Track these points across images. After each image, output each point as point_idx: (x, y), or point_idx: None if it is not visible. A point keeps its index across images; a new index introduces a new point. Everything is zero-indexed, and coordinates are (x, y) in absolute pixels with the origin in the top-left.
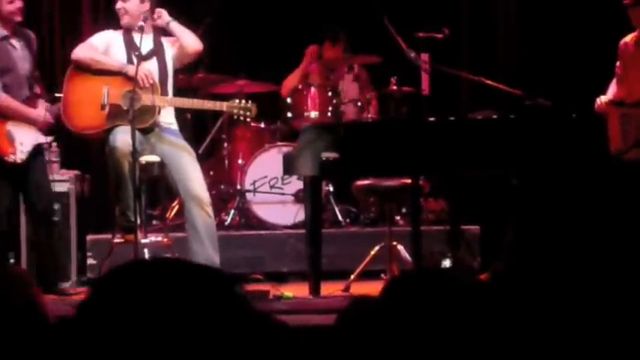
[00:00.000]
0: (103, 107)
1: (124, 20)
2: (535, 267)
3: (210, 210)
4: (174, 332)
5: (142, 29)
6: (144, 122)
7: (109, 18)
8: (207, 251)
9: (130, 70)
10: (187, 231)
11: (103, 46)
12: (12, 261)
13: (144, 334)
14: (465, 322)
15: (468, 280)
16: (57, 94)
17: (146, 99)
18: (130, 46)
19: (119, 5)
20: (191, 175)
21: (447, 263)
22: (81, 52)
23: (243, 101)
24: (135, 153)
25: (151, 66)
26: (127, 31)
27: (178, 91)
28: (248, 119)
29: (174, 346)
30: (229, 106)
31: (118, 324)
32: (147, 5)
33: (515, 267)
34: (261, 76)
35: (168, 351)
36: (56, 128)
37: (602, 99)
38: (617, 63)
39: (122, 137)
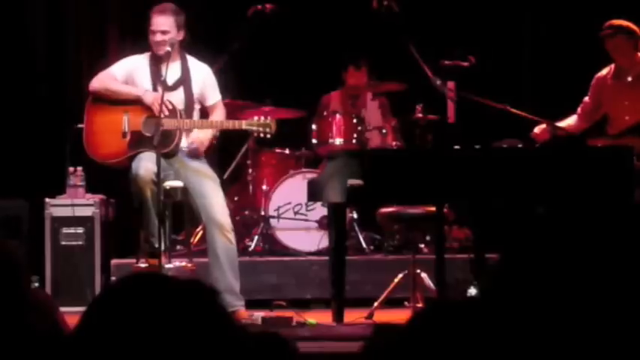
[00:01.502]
0: (124, 135)
1: (162, 52)
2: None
3: (231, 236)
4: (160, 344)
5: (168, 56)
6: (166, 147)
7: (135, 42)
8: (226, 277)
9: (147, 97)
10: (209, 256)
11: (124, 74)
12: (36, 284)
13: (134, 345)
14: (488, 354)
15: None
16: (79, 125)
17: (167, 123)
18: (156, 75)
19: (159, 38)
20: (213, 200)
21: (472, 291)
22: (97, 83)
23: (262, 118)
24: (158, 179)
25: (178, 95)
26: (154, 57)
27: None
28: (268, 136)
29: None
30: (248, 123)
31: (110, 339)
32: (182, 34)
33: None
34: (287, 103)
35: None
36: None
37: (541, 127)
38: (587, 98)
39: (145, 164)
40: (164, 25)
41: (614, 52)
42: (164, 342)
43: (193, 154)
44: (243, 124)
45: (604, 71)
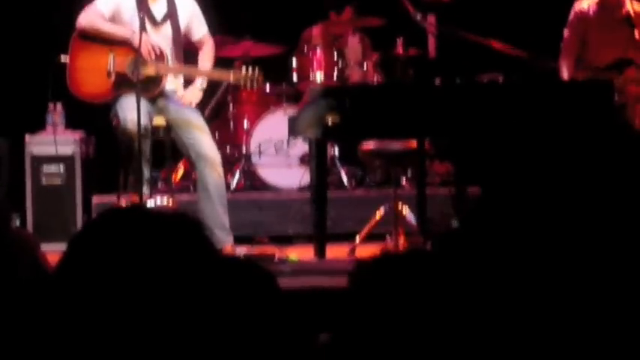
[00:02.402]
0: (109, 75)
1: None
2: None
3: (221, 170)
4: (146, 276)
5: None
6: (150, 92)
7: None
8: (217, 212)
9: (135, 40)
10: (198, 192)
11: (111, 9)
12: (17, 223)
13: (118, 280)
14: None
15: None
16: (62, 57)
17: (151, 68)
18: (143, 9)
19: None
20: (201, 136)
21: (456, 224)
22: (84, 20)
23: (250, 70)
24: (141, 126)
25: (164, 32)
26: None
27: (186, 53)
28: (255, 87)
29: (146, 290)
30: (236, 76)
31: (93, 275)
32: None
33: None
34: (267, 37)
35: (140, 295)
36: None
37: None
38: (566, 32)
39: (131, 117)
40: None
41: None
42: (148, 275)
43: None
44: (231, 77)
45: (584, 3)
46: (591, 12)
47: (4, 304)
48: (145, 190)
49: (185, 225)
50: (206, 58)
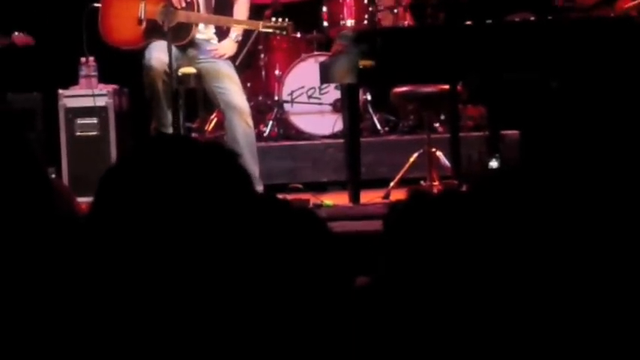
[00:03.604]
0: (140, 22)
1: None
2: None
3: (250, 120)
4: (182, 207)
5: None
6: (180, 39)
7: None
8: (247, 161)
9: None
10: (227, 141)
11: None
12: (53, 176)
13: (153, 214)
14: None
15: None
16: (95, 4)
17: (182, 16)
18: None
19: None
20: (230, 85)
21: (493, 164)
22: None
23: (280, 20)
24: (171, 71)
25: None
26: None
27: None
28: (284, 35)
29: (182, 221)
30: (265, 25)
31: (127, 209)
32: None
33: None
34: None
35: (176, 227)
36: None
37: None
38: None
39: (157, 55)
40: None
41: None
42: (186, 204)
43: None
44: (260, 27)
45: None
46: None
47: (43, 250)
48: (169, 129)
49: (221, 153)
50: (241, 11)
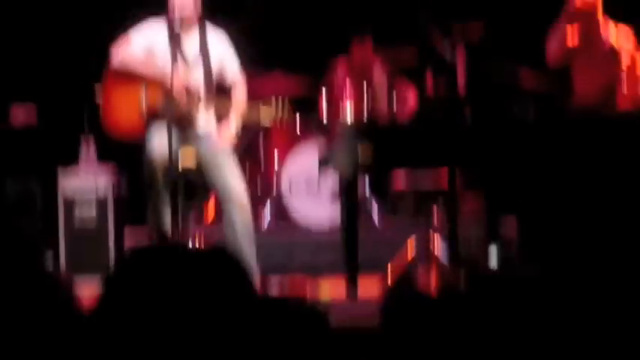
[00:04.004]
0: (141, 112)
1: (177, 15)
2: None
3: (248, 210)
4: (184, 317)
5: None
6: (182, 130)
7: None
8: (244, 252)
9: (167, 79)
10: (225, 231)
11: (143, 47)
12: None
13: (156, 321)
14: None
15: None
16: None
17: (183, 107)
18: (176, 48)
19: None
20: (230, 177)
21: (493, 250)
22: (118, 60)
23: (279, 105)
24: (171, 164)
25: (196, 71)
26: (171, 24)
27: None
28: (284, 119)
29: (186, 332)
30: (264, 112)
31: (130, 316)
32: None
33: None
34: (296, 70)
35: (179, 337)
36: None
37: None
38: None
39: (159, 148)
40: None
41: None
42: (187, 312)
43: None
44: (260, 110)
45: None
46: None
47: (40, 342)
48: (167, 227)
49: (225, 262)
50: (238, 97)
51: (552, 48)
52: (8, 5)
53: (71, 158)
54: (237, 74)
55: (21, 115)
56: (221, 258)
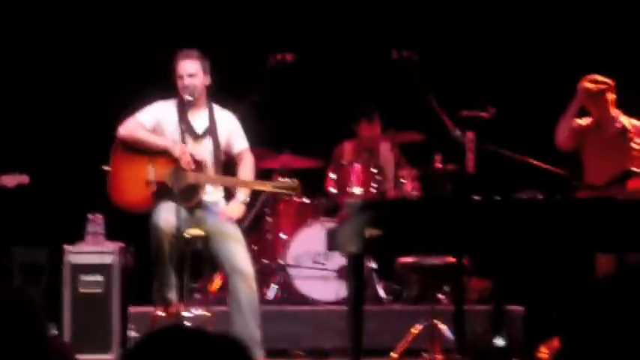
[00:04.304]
0: (148, 185)
1: (189, 96)
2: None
3: (253, 284)
4: None
5: (195, 102)
6: (189, 201)
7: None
8: (249, 326)
9: (175, 150)
10: (230, 305)
11: (152, 122)
12: (55, 332)
13: None
14: None
15: None
16: (105, 167)
17: (191, 177)
18: (184, 123)
19: (187, 82)
20: (236, 249)
21: (499, 342)
22: (125, 130)
23: (288, 180)
24: (178, 233)
25: (205, 145)
26: (181, 104)
27: (226, 165)
28: (293, 197)
29: None
30: (274, 185)
31: None
32: (208, 79)
33: (565, 350)
34: (305, 151)
35: None
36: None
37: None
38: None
39: (165, 217)
40: (191, 68)
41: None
42: None
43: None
44: (270, 187)
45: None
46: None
47: None
48: (172, 296)
49: (232, 348)
50: (245, 171)
51: (563, 131)
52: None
53: (78, 235)
54: (245, 149)
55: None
56: (231, 346)
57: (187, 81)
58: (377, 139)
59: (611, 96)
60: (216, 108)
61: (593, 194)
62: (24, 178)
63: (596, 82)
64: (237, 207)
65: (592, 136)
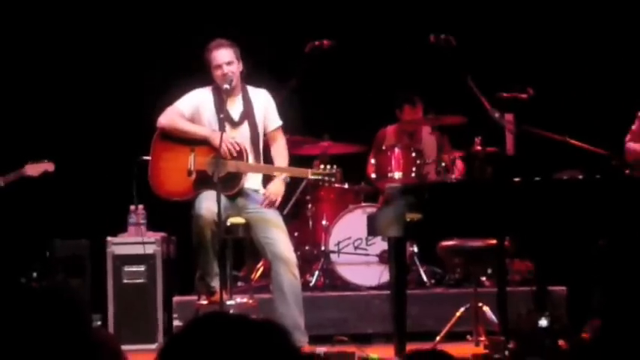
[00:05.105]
0: (189, 174)
1: (229, 84)
2: (625, 330)
3: (296, 271)
4: None
5: (234, 89)
6: (230, 189)
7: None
8: (292, 313)
9: (215, 139)
10: (273, 292)
11: (191, 110)
12: (99, 323)
13: None
14: None
15: None
16: (145, 157)
17: (231, 166)
18: (222, 110)
19: (226, 69)
20: (278, 236)
21: (543, 322)
22: (165, 119)
23: (328, 167)
24: (219, 221)
25: (243, 131)
26: (217, 90)
27: (266, 152)
28: (333, 184)
29: None
30: (314, 172)
31: None
32: (241, 65)
33: (606, 330)
34: (345, 137)
35: None
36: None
37: None
38: (634, 126)
39: (207, 205)
40: (227, 56)
41: None
42: None
43: (268, 206)
44: (309, 174)
45: None
46: None
47: None
48: (215, 284)
49: (274, 334)
50: (279, 154)
51: (634, 148)
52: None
53: (120, 227)
54: (278, 128)
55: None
56: (274, 332)
57: (226, 69)
58: (419, 123)
59: None
60: (250, 89)
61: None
62: (48, 166)
63: None
64: (278, 185)
65: None
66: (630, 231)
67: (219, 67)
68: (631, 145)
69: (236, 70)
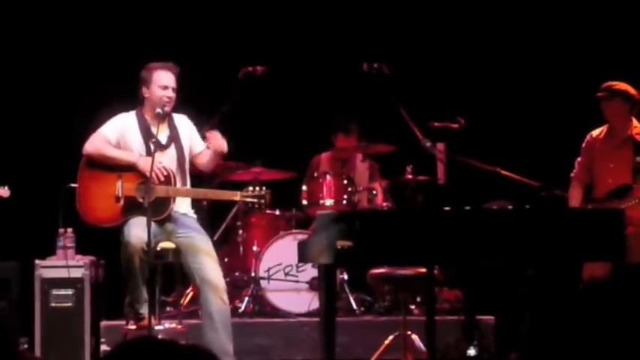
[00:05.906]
0: (117, 200)
1: (163, 109)
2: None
3: (225, 297)
4: None
5: (158, 117)
6: (159, 214)
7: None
8: (221, 339)
9: (142, 164)
10: (202, 318)
11: (116, 135)
12: (26, 346)
13: None
14: None
15: None
16: (72, 185)
17: (160, 191)
18: (147, 134)
19: (171, 94)
20: (207, 261)
21: (472, 352)
22: (91, 146)
23: (257, 189)
24: (149, 247)
25: (170, 154)
26: (141, 114)
27: (193, 178)
28: (263, 207)
29: None
30: (243, 195)
31: None
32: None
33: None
34: (277, 164)
35: None
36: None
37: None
38: (579, 158)
39: (136, 232)
40: (172, 81)
41: (609, 115)
42: None
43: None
44: (238, 196)
45: (597, 131)
46: (599, 138)
47: None
48: (144, 311)
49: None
50: (205, 157)
51: (571, 195)
52: None
53: (49, 250)
54: (203, 148)
55: None
56: (198, 356)
57: (171, 93)
58: (351, 150)
59: (625, 104)
60: (173, 114)
61: (562, 207)
62: (4, 192)
63: (608, 89)
64: (220, 141)
65: (601, 144)
66: (558, 261)
67: (166, 88)
68: (570, 192)
69: (174, 97)
